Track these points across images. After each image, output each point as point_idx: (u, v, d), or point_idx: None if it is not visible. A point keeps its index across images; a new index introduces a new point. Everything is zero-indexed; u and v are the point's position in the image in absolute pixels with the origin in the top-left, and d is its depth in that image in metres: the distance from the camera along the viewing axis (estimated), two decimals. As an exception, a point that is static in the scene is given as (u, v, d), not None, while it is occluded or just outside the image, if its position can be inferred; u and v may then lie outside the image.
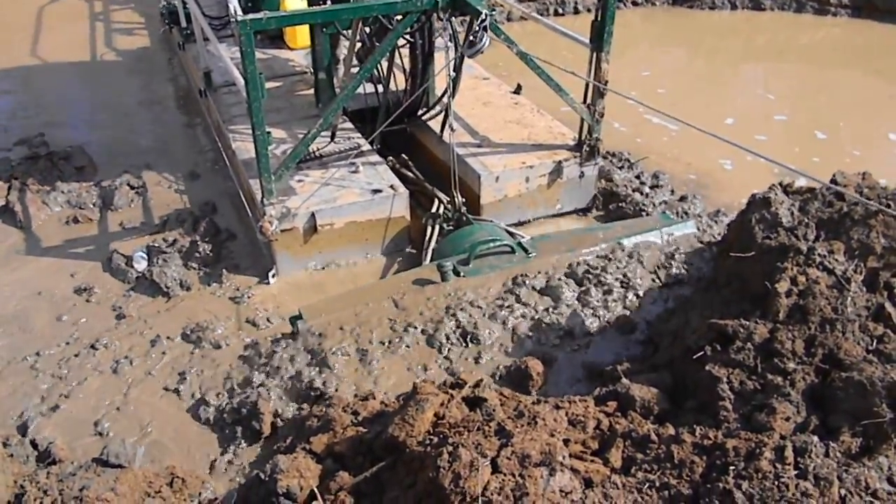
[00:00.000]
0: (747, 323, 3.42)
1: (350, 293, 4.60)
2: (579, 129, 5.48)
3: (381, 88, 5.74)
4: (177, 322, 4.55)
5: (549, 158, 5.43)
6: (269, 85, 6.02)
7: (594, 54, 5.05)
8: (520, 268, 4.48)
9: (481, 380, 3.59)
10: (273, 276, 4.92)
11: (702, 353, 3.45)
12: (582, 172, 5.54)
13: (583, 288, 4.53)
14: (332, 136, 5.56)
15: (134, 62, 9.04)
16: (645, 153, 6.60)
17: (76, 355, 4.30)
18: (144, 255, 5.05)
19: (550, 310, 4.42)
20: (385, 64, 5.59)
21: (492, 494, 2.54)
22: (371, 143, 5.60)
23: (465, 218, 5.07)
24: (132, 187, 5.97)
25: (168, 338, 4.42)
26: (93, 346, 4.35)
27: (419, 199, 5.45)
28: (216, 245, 5.23)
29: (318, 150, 5.33)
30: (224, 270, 4.96)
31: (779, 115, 7.57)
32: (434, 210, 5.20)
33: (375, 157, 5.47)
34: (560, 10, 10.82)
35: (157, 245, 5.14)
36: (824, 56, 9.49)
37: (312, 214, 4.83)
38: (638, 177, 6.19)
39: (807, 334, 3.27)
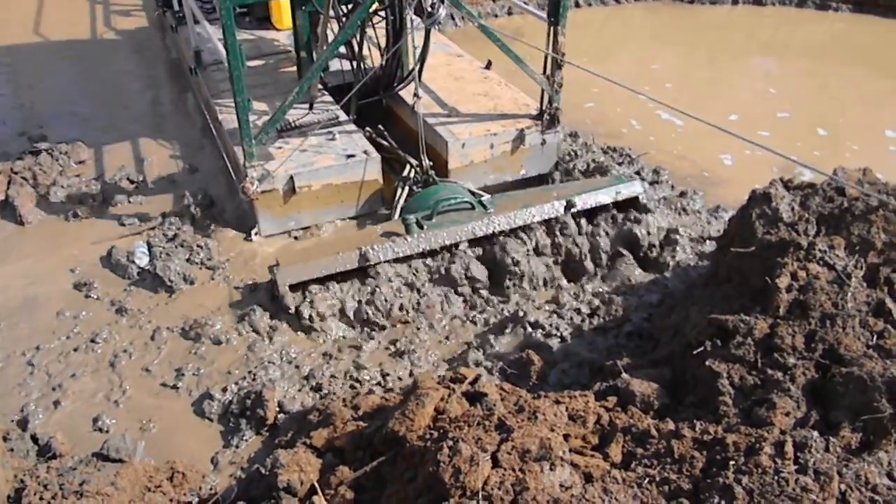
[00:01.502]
0: (747, 318, 3.42)
1: (323, 243, 5.01)
2: (540, 99, 5.78)
3: (356, 65, 6.09)
4: (178, 316, 4.55)
5: (512, 126, 5.78)
6: (255, 63, 6.86)
7: (552, 28, 5.39)
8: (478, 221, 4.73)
9: (479, 375, 3.60)
10: (256, 234, 5.27)
11: (702, 348, 3.45)
12: (544, 140, 5.88)
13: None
14: (310, 107, 5.91)
15: (131, 43, 9.28)
16: (655, 150, 6.61)
17: (76, 350, 4.30)
18: (145, 251, 5.05)
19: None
20: (366, 43, 6.00)
21: (492, 489, 2.54)
22: (347, 114, 5.95)
23: (431, 179, 5.37)
24: (132, 181, 5.97)
25: (169, 331, 4.43)
26: (93, 341, 4.35)
27: (394, 165, 5.79)
28: (209, 235, 5.31)
29: (296, 120, 5.67)
30: (223, 263, 4.99)
31: (781, 111, 7.56)
32: (405, 174, 5.55)
33: (351, 127, 5.82)
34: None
35: (157, 240, 5.14)
36: (826, 51, 9.47)
37: (291, 177, 5.16)
38: (638, 173, 6.17)
39: (807, 329, 3.27)
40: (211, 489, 3.44)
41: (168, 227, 5.34)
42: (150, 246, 5.09)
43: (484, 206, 4.83)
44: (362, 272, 4.53)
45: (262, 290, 4.67)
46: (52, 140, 6.56)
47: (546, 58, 5.57)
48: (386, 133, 5.80)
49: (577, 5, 10.76)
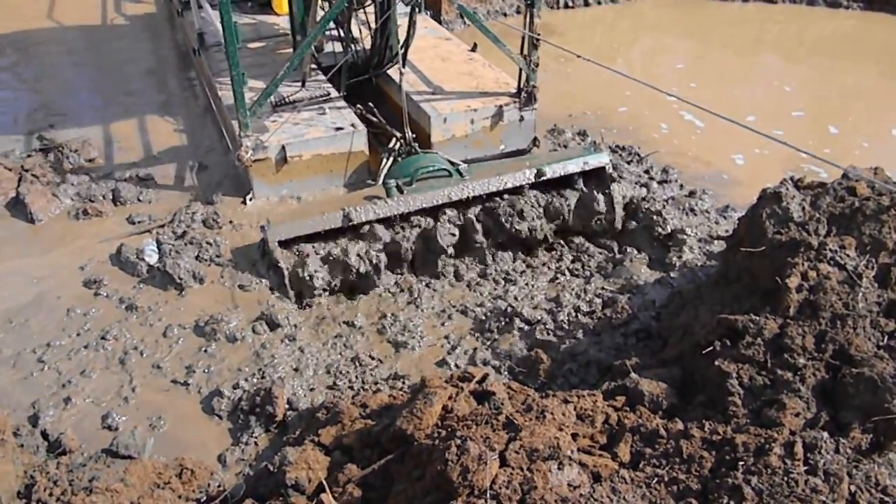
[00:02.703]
0: (757, 318, 3.40)
1: (309, 205, 5.38)
2: (518, 78, 6.09)
3: (347, 46, 6.42)
4: (188, 314, 4.57)
5: (492, 103, 6.10)
6: (255, 45, 7.32)
7: (528, 10, 5.73)
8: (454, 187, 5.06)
9: (487, 374, 3.60)
10: (251, 199, 5.58)
11: (711, 348, 3.43)
12: (522, 116, 6.19)
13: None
14: (303, 84, 6.26)
15: (141, 28, 9.63)
16: (664, 150, 6.59)
17: (86, 347, 4.32)
18: (155, 249, 5.06)
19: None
20: (357, 26, 6.36)
21: (500, 488, 2.54)
22: (338, 91, 6.31)
23: (414, 150, 5.65)
24: (141, 179, 5.99)
25: (180, 328, 4.44)
26: (103, 338, 4.37)
27: (382, 140, 6.03)
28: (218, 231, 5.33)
29: (289, 96, 6.01)
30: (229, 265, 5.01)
31: (796, 110, 7.54)
32: (391, 146, 5.79)
33: (341, 103, 6.14)
34: (570, 4, 10.79)
35: (166, 237, 5.16)
36: (838, 49, 9.41)
37: (283, 147, 5.50)
38: (647, 171, 6.15)
39: (817, 330, 3.25)
40: (219, 486, 3.46)
41: (178, 224, 5.36)
42: (159, 243, 5.10)
43: (460, 174, 5.16)
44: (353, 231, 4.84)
45: (252, 249, 4.92)
46: (62, 137, 6.59)
47: (523, 38, 5.84)
48: (375, 109, 6.07)
49: (587, 4, 10.76)
